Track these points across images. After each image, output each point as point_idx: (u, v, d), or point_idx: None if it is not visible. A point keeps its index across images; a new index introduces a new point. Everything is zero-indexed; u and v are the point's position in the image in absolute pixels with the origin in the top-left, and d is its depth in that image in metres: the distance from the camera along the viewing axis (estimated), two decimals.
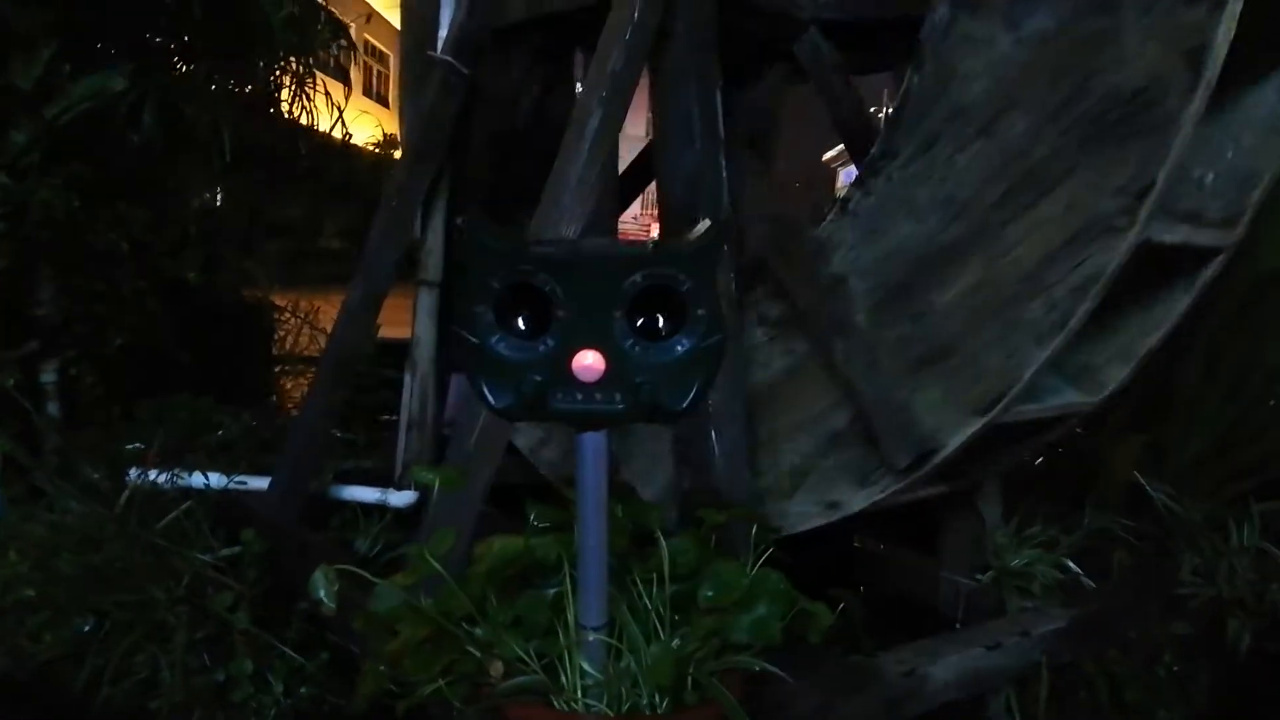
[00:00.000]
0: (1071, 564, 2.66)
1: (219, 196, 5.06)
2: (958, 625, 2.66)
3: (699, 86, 2.33)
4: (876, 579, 2.88)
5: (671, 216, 2.37)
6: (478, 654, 1.25)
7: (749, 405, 2.39)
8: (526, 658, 1.26)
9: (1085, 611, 2.50)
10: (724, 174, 2.31)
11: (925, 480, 2.20)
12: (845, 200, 2.31)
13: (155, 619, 2.26)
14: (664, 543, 1.32)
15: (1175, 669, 2.67)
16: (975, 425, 2.05)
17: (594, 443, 1.21)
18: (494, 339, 1.17)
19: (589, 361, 1.15)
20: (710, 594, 1.27)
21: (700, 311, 1.15)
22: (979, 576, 2.62)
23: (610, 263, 1.16)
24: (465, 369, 1.19)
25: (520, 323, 1.18)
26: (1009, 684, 2.37)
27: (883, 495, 2.20)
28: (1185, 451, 3.07)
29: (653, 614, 1.31)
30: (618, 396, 1.16)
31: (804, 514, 2.30)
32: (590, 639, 1.25)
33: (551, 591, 1.33)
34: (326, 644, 2.32)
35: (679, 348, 1.17)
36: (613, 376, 1.16)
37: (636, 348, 1.16)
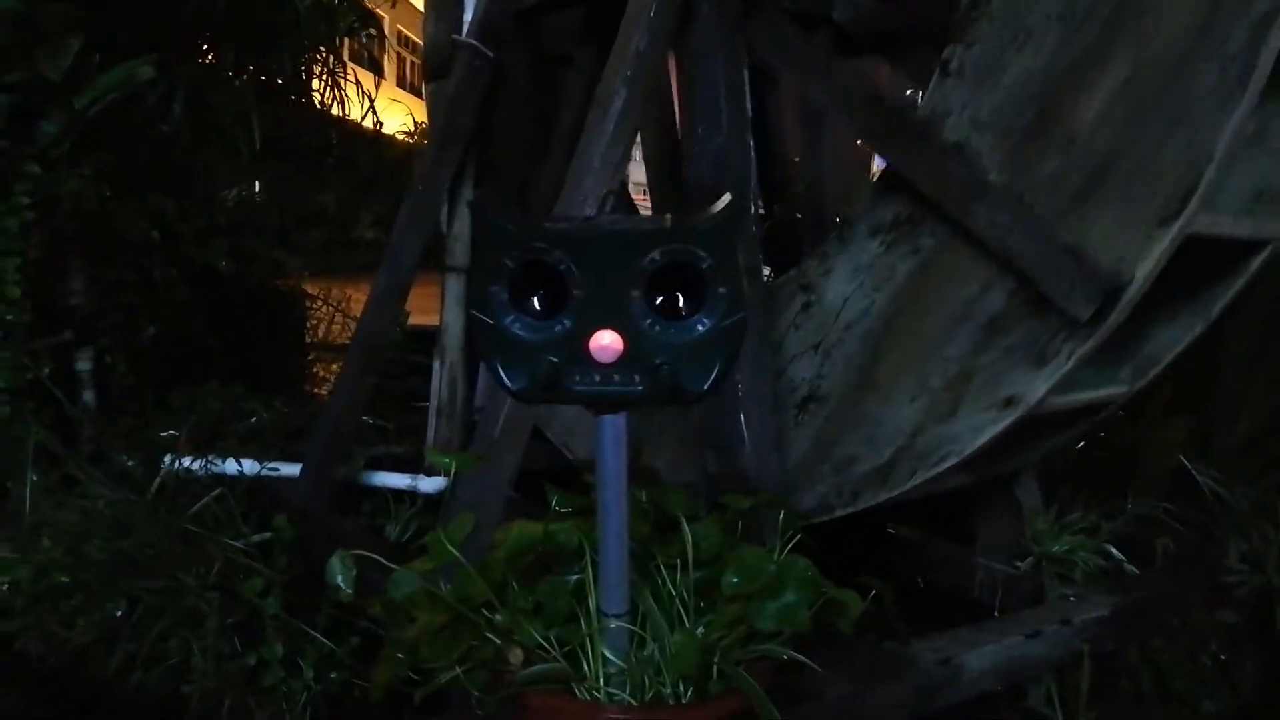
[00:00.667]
0: (1114, 550, 2.60)
1: (254, 187, 5.09)
2: (996, 613, 2.61)
3: (726, 65, 2.28)
4: (908, 567, 2.83)
5: (697, 199, 2.33)
6: (497, 641, 1.22)
7: (873, 336, 2.20)
8: (547, 645, 1.23)
9: (1129, 599, 2.43)
10: (751, 155, 2.27)
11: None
12: (944, 62, 2.07)
13: (187, 605, 2.26)
14: (687, 528, 1.28)
15: (1222, 658, 2.60)
16: (1165, 238, 1.76)
17: (613, 425, 1.17)
18: (508, 319, 1.14)
19: (606, 342, 1.11)
20: (735, 580, 1.23)
21: (721, 290, 1.11)
22: (1017, 564, 2.57)
23: (627, 239, 1.12)
24: (481, 351, 1.17)
25: (535, 302, 1.15)
26: (1049, 673, 2.31)
27: (1071, 364, 1.89)
28: (1231, 436, 2.98)
29: (676, 601, 1.27)
30: (636, 378, 1.12)
31: (978, 424, 2.01)
32: (612, 626, 1.22)
33: (573, 578, 1.30)
34: (356, 629, 2.32)
35: (699, 327, 1.12)
36: (631, 357, 1.12)
37: (655, 327, 1.12)
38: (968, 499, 2.62)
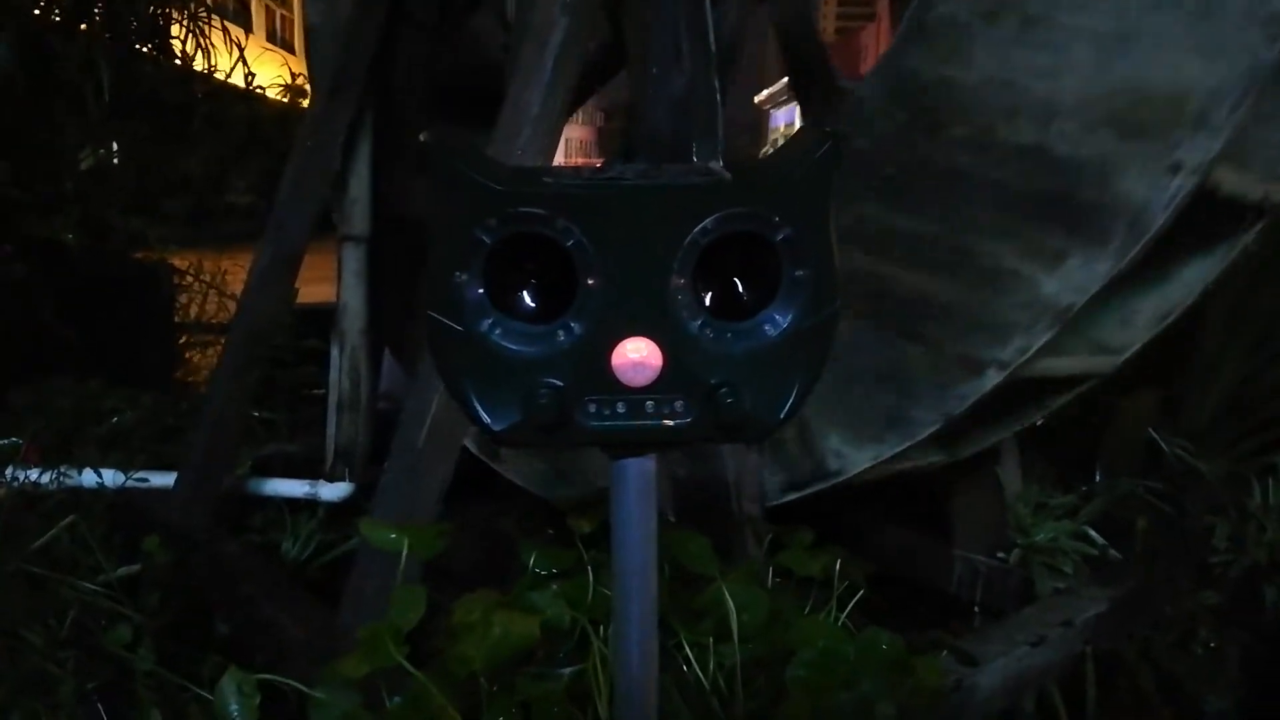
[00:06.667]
0: (1097, 535, 2.43)
1: (110, 149, 4.50)
2: (976, 609, 2.42)
3: None
4: (870, 558, 2.60)
5: (655, 152, 1.96)
6: None
7: None
8: None
9: (1124, 590, 2.26)
10: (719, 98, 1.91)
11: None
12: None
13: (32, 667, 1.82)
14: (729, 595, 0.93)
15: (1212, 645, 2.46)
16: None
17: (640, 472, 0.80)
18: (485, 323, 0.75)
19: (639, 355, 0.74)
20: (802, 673, 0.89)
21: (802, 272, 0.74)
22: (999, 555, 2.37)
23: (667, 201, 0.73)
24: (441, 369, 0.78)
25: (527, 298, 0.77)
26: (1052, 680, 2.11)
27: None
28: (1204, 405, 2.83)
29: (711, 697, 0.93)
30: (680, 405, 0.74)
31: None
32: None
33: (566, 671, 0.94)
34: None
35: (769, 328, 0.75)
36: (673, 376, 0.74)
37: (707, 330, 0.74)
38: (942, 483, 2.40)
